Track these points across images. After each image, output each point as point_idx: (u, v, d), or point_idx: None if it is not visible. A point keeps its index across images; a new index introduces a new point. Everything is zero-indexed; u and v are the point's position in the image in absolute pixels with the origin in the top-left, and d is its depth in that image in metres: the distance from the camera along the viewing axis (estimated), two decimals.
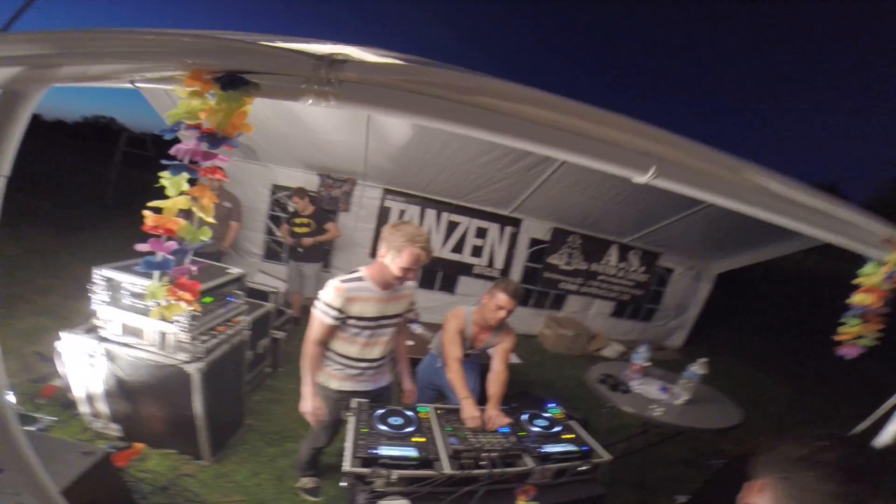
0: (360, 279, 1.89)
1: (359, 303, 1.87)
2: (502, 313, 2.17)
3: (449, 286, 5.78)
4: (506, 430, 1.84)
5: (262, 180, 5.19)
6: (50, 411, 2.56)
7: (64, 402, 2.61)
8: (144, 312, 2.19)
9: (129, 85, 0.80)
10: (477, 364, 2.62)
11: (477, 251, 5.63)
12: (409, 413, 1.86)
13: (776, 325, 10.55)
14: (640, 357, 2.76)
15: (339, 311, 1.85)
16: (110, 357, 2.31)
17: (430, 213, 5.38)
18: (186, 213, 0.82)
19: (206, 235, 0.84)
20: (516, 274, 5.83)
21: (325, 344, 1.96)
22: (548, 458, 1.73)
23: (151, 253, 0.81)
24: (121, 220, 8.01)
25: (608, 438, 3.06)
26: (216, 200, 0.86)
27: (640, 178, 0.93)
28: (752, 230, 4.83)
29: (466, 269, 5.69)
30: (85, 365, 2.34)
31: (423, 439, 1.70)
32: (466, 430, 1.81)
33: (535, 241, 5.77)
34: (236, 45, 0.80)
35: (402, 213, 5.31)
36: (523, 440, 1.81)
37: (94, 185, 11.28)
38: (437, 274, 5.69)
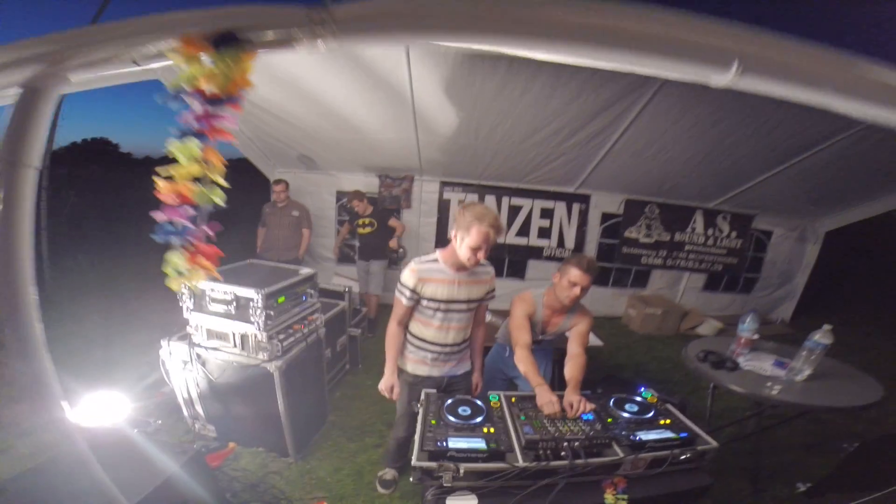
0: (434, 261, 1.92)
1: (432, 284, 1.88)
2: (576, 291, 1.98)
3: (517, 272, 5.59)
4: (589, 416, 1.65)
5: (327, 188, 5.41)
6: (160, 415, 2.78)
7: (171, 407, 2.84)
8: (227, 316, 2.30)
9: (134, 65, 0.78)
10: (550, 351, 2.44)
11: (544, 233, 5.39)
12: (479, 402, 1.74)
13: None
14: (748, 329, 2.36)
15: (413, 291, 1.88)
16: (201, 361, 2.47)
17: (490, 199, 5.24)
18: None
19: (218, 197, 0.80)
20: (590, 252, 5.46)
21: (404, 325, 2.01)
22: (641, 446, 1.51)
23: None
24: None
25: (713, 423, 2.74)
26: (225, 162, 0.82)
27: (721, 79, 0.72)
28: (857, 181, 4.29)
29: (535, 253, 5.46)
30: (182, 370, 2.54)
31: (493, 429, 1.56)
32: (544, 418, 1.64)
33: (607, 216, 5.37)
34: (225, 10, 0.75)
35: (461, 201, 5.24)
36: (611, 427, 1.60)
37: None
38: (505, 260, 5.51)
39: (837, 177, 4.26)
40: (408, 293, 1.89)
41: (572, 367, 1.93)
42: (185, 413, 2.73)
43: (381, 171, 5.17)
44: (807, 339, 2.07)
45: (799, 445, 2.91)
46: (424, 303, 1.91)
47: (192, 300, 2.37)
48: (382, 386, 2.04)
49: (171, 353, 2.49)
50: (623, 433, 1.55)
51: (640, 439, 1.52)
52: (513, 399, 1.81)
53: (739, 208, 5.32)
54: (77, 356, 3.53)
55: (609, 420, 1.65)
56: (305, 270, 2.64)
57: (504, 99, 3.48)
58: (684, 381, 3.99)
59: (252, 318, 2.23)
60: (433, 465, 1.40)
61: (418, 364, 2.05)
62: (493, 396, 1.81)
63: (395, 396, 2.03)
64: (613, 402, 1.77)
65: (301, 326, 2.52)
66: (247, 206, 5.47)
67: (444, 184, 5.21)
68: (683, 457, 1.51)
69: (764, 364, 2.23)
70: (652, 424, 1.63)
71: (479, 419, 1.62)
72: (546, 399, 1.71)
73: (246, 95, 0.82)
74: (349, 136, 4.25)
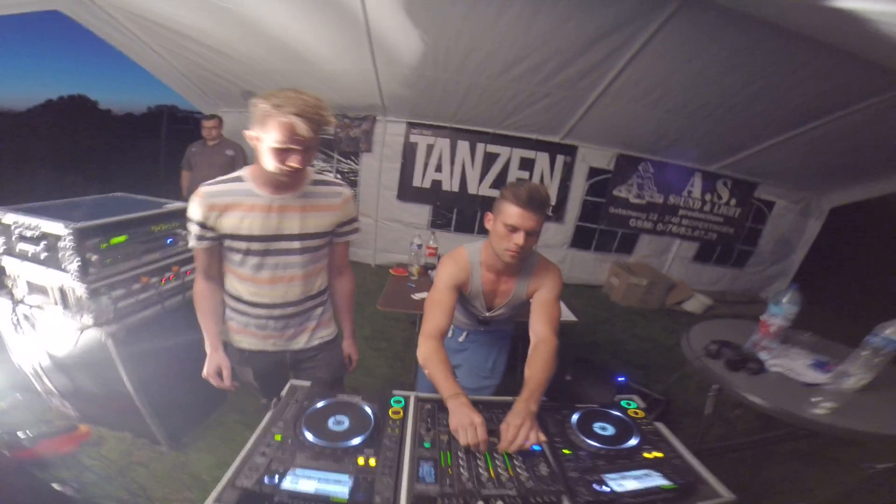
0: (236, 179, 1.27)
1: (234, 213, 1.24)
2: (518, 239, 1.27)
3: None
4: (536, 447, 1.02)
5: None
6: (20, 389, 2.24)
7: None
8: (38, 261, 1.61)
9: None
10: (506, 336, 1.80)
11: None
12: (366, 409, 1.09)
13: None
14: (783, 313, 1.66)
15: (203, 226, 1.24)
16: (30, 322, 1.82)
17: (463, 146, 4.58)
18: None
19: None
20: (574, 210, 4.87)
21: (214, 278, 1.38)
22: (614, 503, 0.89)
23: None
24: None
25: (707, 437, 2.07)
26: None
27: None
28: (873, 156, 3.87)
29: None
30: (13, 335, 1.89)
31: (375, 461, 0.93)
32: (459, 449, 1.00)
33: (595, 171, 4.72)
34: None
35: (429, 147, 4.58)
36: (566, 465, 0.98)
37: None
38: (476, 214, 4.88)
39: (853, 149, 3.77)
40: (196, 230, 1.24)
41: (534, 362, 1.25)
42: (37, 387, 2.15)
43: (340, 109, 4.45)
44: (872, 334, 1.41)
45: (794, 455, 2.36)
46: (227, 243, 1.27)
47: (1, 238, 1.66)
48: (206, 371, 1.42)
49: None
50: (584, 478, 0.93)
51: (610, 491, 0.90)
52: (427, 406, 1.17)
53: (742, 174, 4.78)
54: None
55: (565, 452, 1.02)
56: (174, 204, 1.92)
57: (476, 20, 2.84)
58: (666, 364, 3.46)
59: (65, 265, 1.54)
60: None
61: (242, 334, 1.43)
62: (398, 399, 1.17)
63: (227, 383, 1.43)
64: (577, 421, 1.12)
65: (161, 280, 1.83)
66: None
67: (411, 125, 4.52)
68: None
69: (796, 364, 1.59)
70: (632, 461, 1.01)
71: (356, 440, 0.98)
72: (462, 421, 1.03)
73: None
74: (296, 67, 3.61)
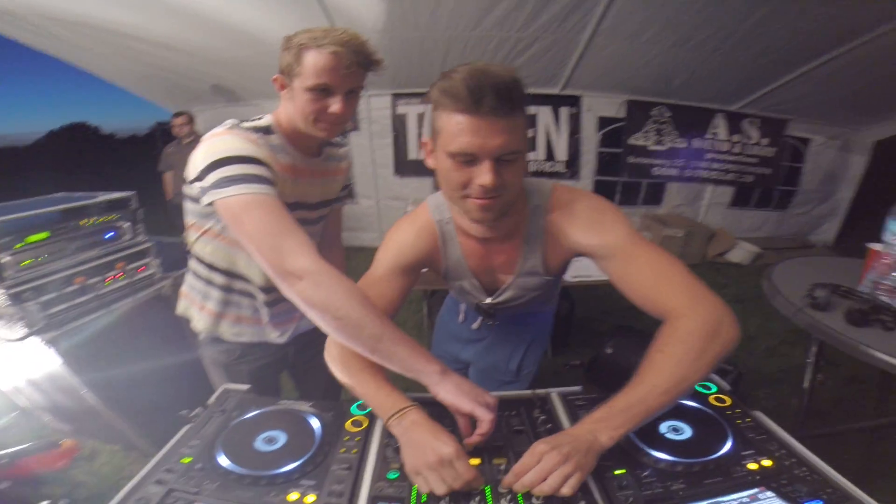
0: (265, 129, 0.96)
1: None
2: (482, 177, 0.69)
3: None
4: None
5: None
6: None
7: None
8: None
9: None
10: (539, 323, 1.23)
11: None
12: (312, 421, 0.76)
13: None
14: None
15: (263, 162, 0.87)
16: None
17: None
18: None
19: None
20: (590, 164, 4.51)
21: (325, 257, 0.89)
22: None
23: None
24: None
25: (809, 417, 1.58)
26: None
27: None
28: None
29: None
30: None
31: (314, 498, 0.59)
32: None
33: (606, 120, 4.35)
34: None
35: (420, 116, 4.30)
36: (621, 499, 0.59)
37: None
38: None
39: (887, 77, 3.39)
40: (254, 168, 0.83)
41: (649, 358, 0.69)
42: (24, 404, 1.99)
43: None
44: None
45: None
46: None
47: None
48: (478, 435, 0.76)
49: None
50: None
51: None
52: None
53: (770, 112, 4.37)
54: None
55: (617, 473, 0.63)
56: (111, 195, 1.64)
57: None
58: None
59: None
60: None
61: (242, 324, 1.10)
62: (361, 404, 0.80)
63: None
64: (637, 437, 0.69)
65: (103, 280, 1.56)
66: None
67: (396, 96, 4.24)
68: None
69: None
70: (730, 477, 0.61)
71: (289, 466, 0.64)
72: (424, 456, 0.62)
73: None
74: (254, 50, 3.41)
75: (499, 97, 0.65)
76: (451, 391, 0.70)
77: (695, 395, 0.79)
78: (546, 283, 0.93)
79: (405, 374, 0.72)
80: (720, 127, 4.40)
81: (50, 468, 1.85)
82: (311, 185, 1.06)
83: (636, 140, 4.35)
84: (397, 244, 0.91)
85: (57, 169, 8.25)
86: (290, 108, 0.94)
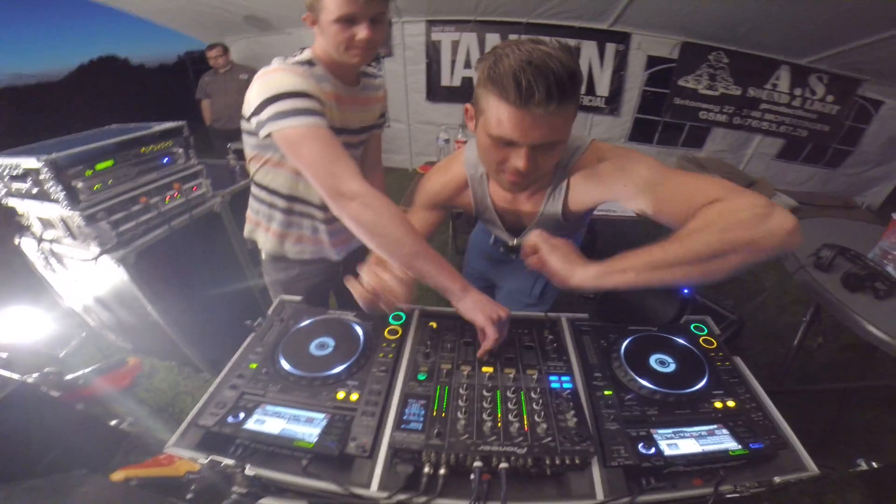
0: (307, 62, 1.04)
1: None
2: (517, 161, 0.75)
3: None
4: (564, 382, 0.77)
5: (290, 48, 4.31)
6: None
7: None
8: (35, 197, 1.54)
9: None
10: (577, 237, 1.25)
11: None
12: (357, 329, 0.90)
13: None
14: None
15: (312, 96, 0.94)
16: (56, 258, 1.79)
17: (493, 39, 4.11)
18: None
19: None
20: (631, 102, 4.29)
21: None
22: (657, 471, 0.65)
23: None
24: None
25: (793, 372, 1.73)
26: None
27: None
28: None
29: None
30: (50, 271, 1.88)
31: (355, 397, 0.75)
32: (464, 380, 0.77)
33: (655, 59, 4.05)
34: None
35: (454, 43, 4.18)
36: (603, 413, 0.73)
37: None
38: None
39: None
40: (304, 103, 0.90)
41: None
42: (91, 323, 2.19)
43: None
44: None
45: (881, 399, 1.94)
46: None
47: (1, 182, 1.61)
48: (492, 334, 0.83)
49: (26, 251, 1.84)
50: (626, 432, 0.68)
51: (657, 454, 0.65)
52: (433, 324, 0.93)
53: (844, 70, 3.91)
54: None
55: (606, 393, 0.76)
56: (164, 125, 1.76)
57: None
58: (738, 277, 3.02)
59: (53, 196, 1.47)
60: (200, 458, 0.66)
61: (302, 242, 1.24)
62: (398, 315, 0.95)
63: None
64: (627, 350, 0.85)
65: (163, 199, 1.73)
66: None
67: (431, 23, 4.09)
68: (735, 494, 0.64)
69: None
70: (696, 410, 0.74)
71: (339, 368, 0.80)
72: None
73: None
74: None
75: (549, 94, 0.64)
76: (469, 307, 0.84)
77: (687, 335, 0.90)
78: (566, 227, 1.01)
79: (434, 287, 0.85)
80: (782, 79, 4.04)
81: (117, 386, 2.02)
82: (352, 112, 1.13)
83: (686, 82, 4.07)
84: (427, 193, 1.06)
85: (93, 101, 8.33)
86: (323, 42, 1.01)
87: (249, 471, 0.64)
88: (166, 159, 1.77)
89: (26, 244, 1.78)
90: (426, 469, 0.61)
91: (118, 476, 1.45)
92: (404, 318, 0.94)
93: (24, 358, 2.00)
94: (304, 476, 0.63)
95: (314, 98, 0.92)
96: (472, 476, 0.60)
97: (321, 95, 0.96)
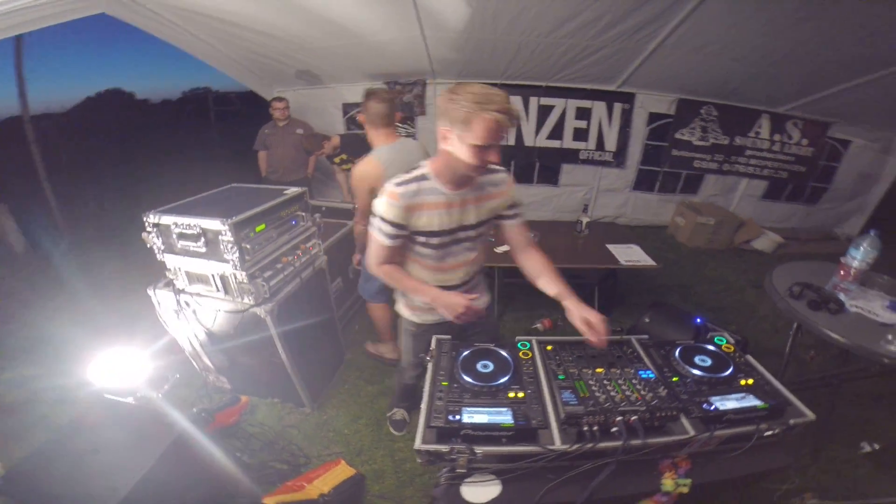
0: (422, 178, 1.35)
1: (425, 212, 1.36)
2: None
3: (550, 177, 5.12)
4: (649, 374, 1.25)
5: (332, 101, 5.00)
6: (177, 370, 2.39)
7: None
8: (198, 255, 1.91)
9: None
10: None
11: (580, 134, 4.79)
12: (504, 354, 1.36)
13: None
14: (862, 256, 1.77)
15: (395, 226, 1.35)
16: (191, 309, 2.12)
17: (515, 100, 4.61)
18: None
19: None
20: (635, 155, 4.91)
21: (393, 264, 1.51)
22: (718, 419, 1.12)
23: None
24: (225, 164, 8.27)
25: (787, 376, 2.11)
26: None
27: None
28: None
29: (570, 156, 4.92)
30: (175, 320, 2.20)
31: (523, 394, 1.19)
32: (590, 377, 1.24)
33: (656, 116, 4.69)
34: None
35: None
36: (677, 390, 1.20)
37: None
38: (535, 166, 5.02)
39: None
40: (389, 230, 1.35)
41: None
42: (196, 366, 2.47)
43: (389, 76, 4.62)
44: None
45: (867, 396, 2.42)
46: (420, 239, 1.41)
47: (160, 239, 1.96)
48: (454, 313, 1.38)
49: (160, 302, 2.15)
50: (694, 399, 1.15)
51: (716, 409, 1.12)
52: (549, 347, 1.41)
53: (815, 115, 4.58)
54: (95, 310, 3.26)
55: (675, 379, 1.24)
56: (291, 190, 2.17)
57: None
58: (737, 306, 3.54)
59: (226, 256, 1.83)
60: (443, 448, 1.06)
61: (422, 312, 1.63)
62: (523, 343, 1.42)
63: (466, 305, 1.39)
64: (680, 353, 1.34)
65: (294, 258, 2.14)
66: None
67: (459, 84, 4.52)
68: (769, 432, 1.12)
69: (874, 305, 1.69)
70: (730, 386, 1.22)
71: (503, 379, 1.25)
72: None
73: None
74: (345, 41, 3.77)
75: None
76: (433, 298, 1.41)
77: (714, 344, 1.39)
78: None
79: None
80: (763, 126, 4.66)
81: (228, 423, 2.17)
82: (464, 212, 1.40)
83: (681, 135, 4.68)
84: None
85: (100, 134, 8.68)
86: (448, 155, 1.26)
87: (478, 449, 1.05)
88: (293, 222, 2.16)
89: (161, 296, 2.08)
90: (585, 428, 1.07)
91: (270, 501, 1.68)
92: (529, 345, 1.41)
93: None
94: (513, 445, 1.06)
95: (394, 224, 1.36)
96: (614, 429, 1.06)
97: (415, 210, 1.35)
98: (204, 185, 2.20)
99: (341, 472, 1.90)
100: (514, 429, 1.07)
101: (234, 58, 4.36)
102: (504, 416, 1.11)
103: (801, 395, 2.12)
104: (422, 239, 1.40)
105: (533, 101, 4.58)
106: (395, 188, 1.33)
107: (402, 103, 4.72)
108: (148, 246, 1.97)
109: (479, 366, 1.30)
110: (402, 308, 1.69)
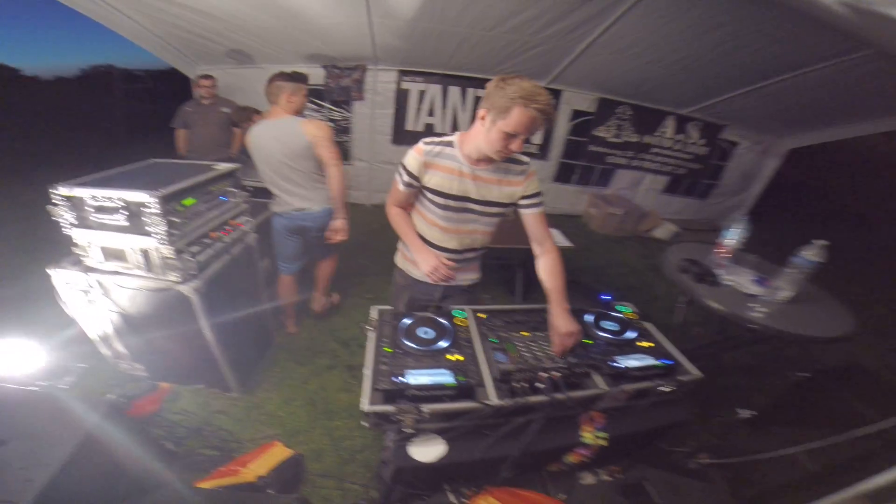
0: (448, 144, 1.51)
1: (438, 172, 1.51)
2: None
3: None
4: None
5: (263, 83, 4.55)
6: (84, 359, 2.27)
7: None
8: (119, 229, 1.76)
9: None
10: None
11: None
12: (443, 321, 1.47)
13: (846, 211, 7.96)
14: (734, 236, 2.14)
15: (411, 175, 1.53)
16: (102, 289, 1.95)
17: (454, 91, 4.79)
18: None
19: None
20: (557, 148, 5.27)
21: (404, 209, 1.70)
22: (622, 375, 1.32)
23: None
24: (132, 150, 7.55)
25: (679, 343, 2.57)
26: None
27: None
28: (829, 108, 4.27)
29: None
30: (84, 302, 2.01)
31: (462, 356, 1.31)
32: (517, 340, 1.40)
33: (578, 113, 5.05)
34: None
35: (421, 93, 4.77)
36: (590, 351, 1.39)
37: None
38: None
39: (812, 102, 4.18)
40: (405, 176, 1.54)
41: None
42: (105, 352, 2.24)
43: (328, 60, 4.50)
44: (794, 255, 1.84)
45: (743, 367, 2.83)
46: (428, 195, 1.55)
47: (71, 212, 1.77)
48: (427, 268, 1.60)
49: (66, 282, 1.95)
50: (603, 359, 1.35)
51: (622, 366, 1.32)
52: (481, 315, 1.55)
53: (712, 118, 5.21)
54: None
55: (587, 341, 1.44)
56: (223, 165, 2.09)
57: None
58: (640, 287, 4.00)
59: (150, 229, 1.72)
60: (390, 408, 1.14)
61: (412, 265, 1.73)
62: (459, 312, 1.54)
63: (444, 270, 1.61)
64: (591, 321, 1.54)
65: (223, 233, 2.06)
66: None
67: (402, 73, 4.63)
68: (664, 388, 1.34)
69: (743, 279, 2.03)
70: (632, 348, 1.44)
71: (443, 343, 1.36)
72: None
73: None
74: (287, 23, 3.62)
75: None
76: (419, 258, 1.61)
77: (620, 311, 1.61)
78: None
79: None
80: (669, 126, 5.21)
81: (147, 411, 2.07)
82: (476, 186, 1.50)
83: (599, 132, 5.10)
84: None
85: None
86: (477, 132, 1.39)
87: (424, 408, 1.14)
88: (223, 198, 2.08)
89: (61, 275, 1.90)
90: (516, 384, 1.21)
91: (206, 485, 1.62)
92: (464, 313, 1.53)
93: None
94: (455, 402, 1.17)
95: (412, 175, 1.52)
96: (540, 385, 1.21)
97: (430, 168, 1.50)
98: (116, 162, 2.02)
99: (278, 453, 1.86)
100: (455, 387, 1.18)
101: (158, 33, 4.00)
102: (446, 377, 1.21)
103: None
104: (430, 195, 1.55)
105: (470, 91, 4.73)
106: (423, 145, 1.50)
107: (340, 87, 4.64)
108: (54, 218, 1.78)
109: (419, 332, 1.40)
110: (398, 257, 1.83)
